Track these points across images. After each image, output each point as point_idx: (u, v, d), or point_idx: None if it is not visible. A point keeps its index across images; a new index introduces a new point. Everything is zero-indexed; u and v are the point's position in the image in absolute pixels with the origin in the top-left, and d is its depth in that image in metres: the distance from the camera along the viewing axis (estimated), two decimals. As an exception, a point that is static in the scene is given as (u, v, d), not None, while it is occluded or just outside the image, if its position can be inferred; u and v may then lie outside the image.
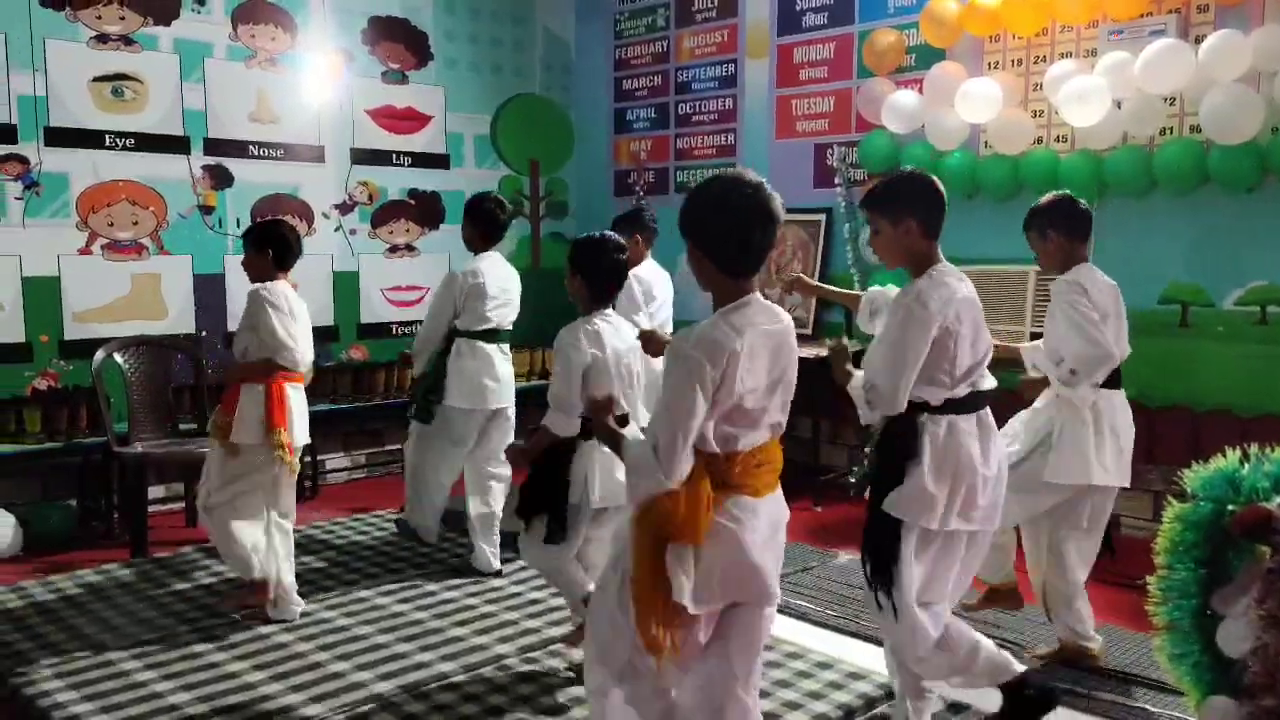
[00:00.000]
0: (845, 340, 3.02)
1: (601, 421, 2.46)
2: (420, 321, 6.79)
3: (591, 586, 3.38)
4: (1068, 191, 3.63)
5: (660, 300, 5.23)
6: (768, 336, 2.25)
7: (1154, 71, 4.53)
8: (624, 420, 3.46)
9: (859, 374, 2.88)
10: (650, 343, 3.46)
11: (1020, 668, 2.89)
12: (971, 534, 2.86)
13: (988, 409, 2.93)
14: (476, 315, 4.49)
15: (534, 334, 6.92)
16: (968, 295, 2.84)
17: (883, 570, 2.76)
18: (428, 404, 4.53)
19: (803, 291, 3.75)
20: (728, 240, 2.23)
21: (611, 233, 3.48)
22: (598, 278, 3.36)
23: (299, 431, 3.97)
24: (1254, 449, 2.29)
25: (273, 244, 3.95)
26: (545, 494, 3.39)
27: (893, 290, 3.21)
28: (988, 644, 2.86)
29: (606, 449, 2.93)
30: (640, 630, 2.28)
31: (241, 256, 4.05)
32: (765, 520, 2.31)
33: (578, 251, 3.36)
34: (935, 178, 2.91)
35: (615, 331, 3.40)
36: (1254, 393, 4.59)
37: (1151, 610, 2.37)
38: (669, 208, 6.88)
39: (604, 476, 3.31)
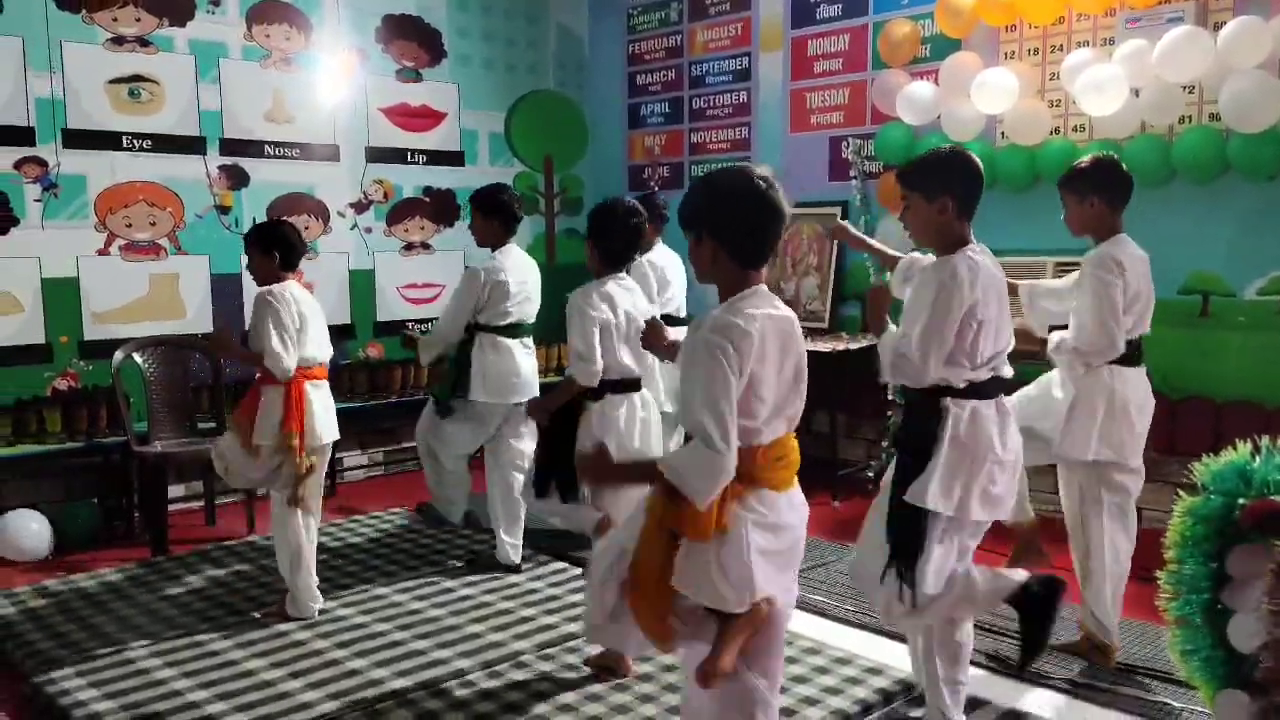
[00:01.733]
0: (886, 280, 2.95)
1: (608, 470, 2.49)
2: (437, 318, 6.81)
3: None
4: (1113, 154, 3.55)
5: (674, 287, 5.21)
6: (776, 323, 2.24)
7: (1172, 59, 4.48)
8: (637, 385, 3.52)
9: (894, 329, 2.84)
10: (653, 333, 3.16)
11: (1019, 575, 2.88)
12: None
13: (1004, 396, 2.92)
14: (499, 311, 4.49)
15: (550, 330, 6.91)
16: (999, 279, 2.83)
17: (908, 561, 2.74)
18: (448, 398, 4.53)
19: (844, 238, 3.62)
20: (743, 228, 2.22)
21: (627, 198, 3.53)
22: (609, 241, 3.48)
23: (323, 429, 3.96)
24: (1265, 441, 2.26)
25: (278, 246, 3.94)
26: (557, 460, 3.46)
27: (930, 258, 3.17)
28: (976, 570, 2.87)
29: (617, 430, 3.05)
30: (641, 623, 2.30)
31: (248, 257, 4.01)
32: (786, 516, 2.30)
33: (591, 217, 3.52)
34: (975, 156, 2.88)
35: (627, 294, 3.48)
36: (1276, 383, 4.53)
37: (1162, 604, 2.34)
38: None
39: (618, 439, 3.36)
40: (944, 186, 2.80)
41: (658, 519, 2.27)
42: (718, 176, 2.28)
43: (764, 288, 2.28)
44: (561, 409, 3.51)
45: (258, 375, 3.96)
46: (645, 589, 2.27)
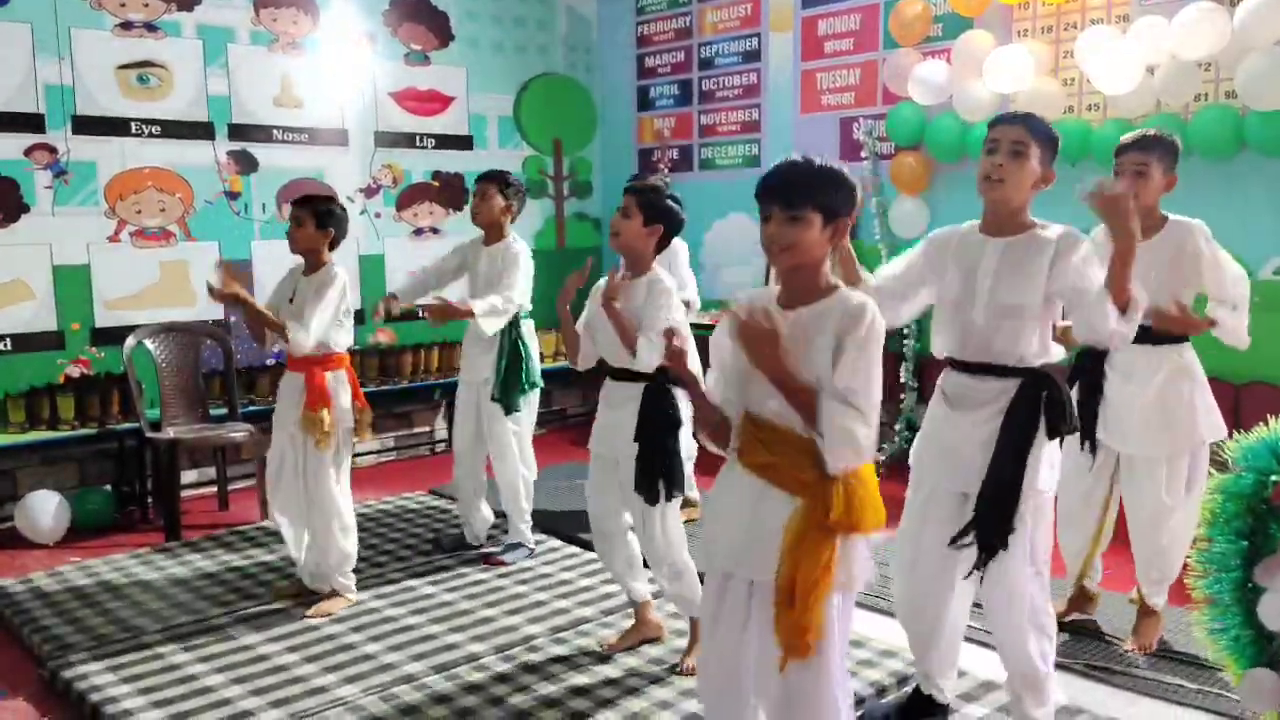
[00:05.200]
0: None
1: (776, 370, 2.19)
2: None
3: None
4: None
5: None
6: None
7: (1188, 36, 4.43)
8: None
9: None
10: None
11: None
12: None
13: None
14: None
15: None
16: None
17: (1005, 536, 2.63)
18: (516, 394, 4.35)
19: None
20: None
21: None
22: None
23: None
24: (1297, 417, 2.24)
25: (337, 226, 3.94)
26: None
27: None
28: None
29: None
30: (798, 631, 2.08)
31: (297, 223, 3.89)
32: None
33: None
34: None
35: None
36: (1294, 364, 4.50)
37: (1191, 583, 2.32)
38: (694, 183, 6.85)
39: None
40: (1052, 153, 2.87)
41: (816, 519, 2.12)
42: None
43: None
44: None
45: (313, 362, 3.87)
46: (810, 599, 2.09)
